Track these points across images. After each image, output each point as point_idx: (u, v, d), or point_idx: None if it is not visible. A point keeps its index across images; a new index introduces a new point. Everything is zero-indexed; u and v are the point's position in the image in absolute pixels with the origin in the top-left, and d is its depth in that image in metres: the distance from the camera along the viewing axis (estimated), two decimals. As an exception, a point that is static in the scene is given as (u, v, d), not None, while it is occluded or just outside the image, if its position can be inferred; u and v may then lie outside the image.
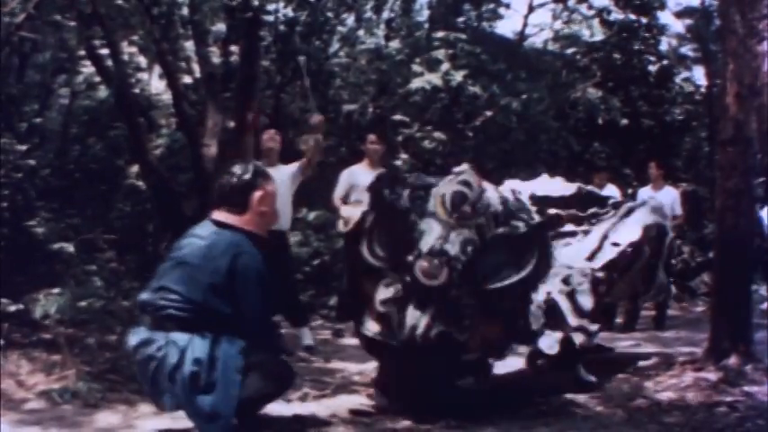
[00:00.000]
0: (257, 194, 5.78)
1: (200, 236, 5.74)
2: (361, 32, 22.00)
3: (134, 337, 5.68)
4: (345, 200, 10.86)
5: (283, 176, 9.84)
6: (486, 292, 6.59)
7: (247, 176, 5.83)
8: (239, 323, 5.57)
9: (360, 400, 7.58)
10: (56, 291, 9.47)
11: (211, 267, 5.53)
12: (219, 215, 5.78)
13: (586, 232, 8.68)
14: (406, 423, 6.73)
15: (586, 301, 7.73)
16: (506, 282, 6.57)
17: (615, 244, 8.34)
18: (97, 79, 18.25)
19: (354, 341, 8.80)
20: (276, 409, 6.90)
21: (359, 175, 10.56)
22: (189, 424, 5.72)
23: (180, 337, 5.47)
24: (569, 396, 7.59)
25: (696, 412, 6.88)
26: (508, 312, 6.82)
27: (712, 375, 7.79)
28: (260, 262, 5.65)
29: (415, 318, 6.49)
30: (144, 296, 5.78)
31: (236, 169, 5.88)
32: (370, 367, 8.41)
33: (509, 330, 6.94)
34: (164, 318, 5.57)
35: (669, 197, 13.18)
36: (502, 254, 6.64)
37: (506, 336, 7.02)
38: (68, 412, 6.96)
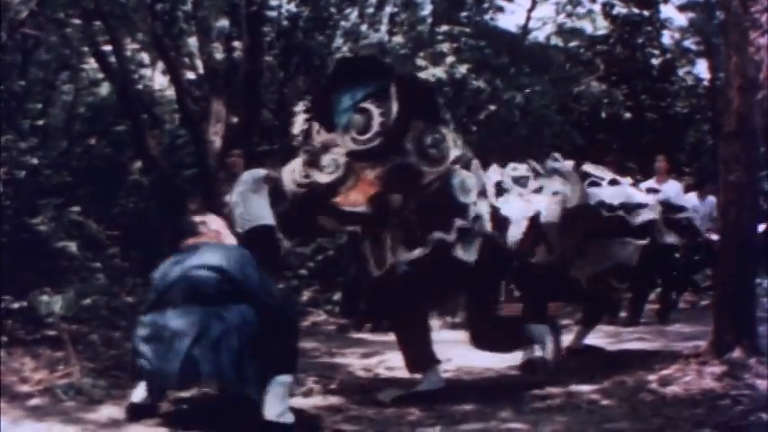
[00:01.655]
0: None
1: None
2: (364, 27, 21.97)
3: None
4: None
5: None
6: None
7: None
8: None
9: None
10: (60, 288, 9.49)
11: None
12: None
13: None
14: (411, 418, 6.76)
15: None
16: None
17: None
18: (100, 76, 18.26)
19: (359, 336, 8.83)
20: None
21: None
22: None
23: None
24: (574, 389, 7.60)
25: (700, 405, 6.88)
26: None
27: (716, 369, 7.76)
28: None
29: None
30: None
31: None
32: (374, 362, 8.43)
33: None
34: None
35: (672, 191, 13.19)
36: None
37: None
38: (72, 408, 6.97)
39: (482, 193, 7.99)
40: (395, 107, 7.09)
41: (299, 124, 19.45)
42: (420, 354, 7.78)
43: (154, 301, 6.51)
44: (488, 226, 7.86)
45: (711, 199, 13.54)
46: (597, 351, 9.81)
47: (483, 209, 7.86)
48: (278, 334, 6.22)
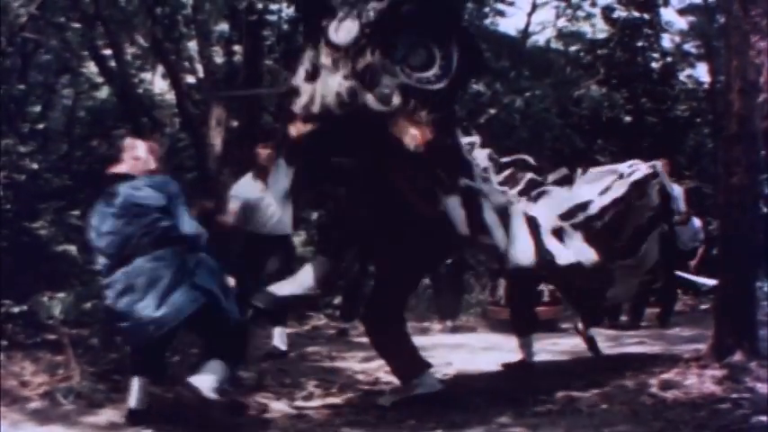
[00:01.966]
0: None
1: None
2: (364, 31, 21.92)
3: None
4: None
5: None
6: None
7: None
8: None
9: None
10: (60, 292, 9.48)
11: None
12: None
13: None
14: (411, 422, 6.76)
15: None
16: None
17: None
18: (100, 80, 18.25)
19: (359, 340, 8.82)
20: (281, 407, 6.94)
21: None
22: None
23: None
24: (575, 393, 7.60)
25: (700, 409, 6.89)
26: None
27: (717, 372, 7.78)
28: None
29: None
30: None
31: None
32: (375, 366, 8.43)
33: None
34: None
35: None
36: None
37: None
38: (72, 412, 6.98)
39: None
40: (455, 56, 7.00)
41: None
42: (405, 361, 7.76)
43: (113, 258, 6.56)
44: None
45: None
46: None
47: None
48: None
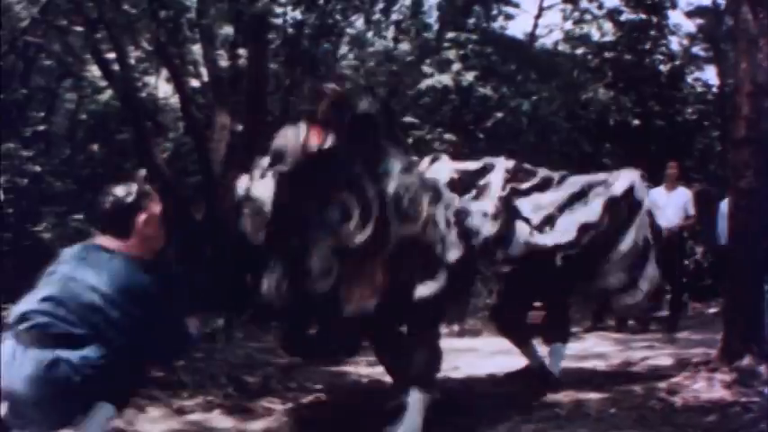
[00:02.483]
0: (141, 218, 5.19)
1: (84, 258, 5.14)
2: (370, 34, 21.94)
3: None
4: None
5: None
6: None
7: (130, 199, 5.21)
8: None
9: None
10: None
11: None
12: (104, 240, 5.16)
13: None
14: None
15: None
16: None
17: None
18: (103, 84, 18.23)
19: (364, 344, 8.76)
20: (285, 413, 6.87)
21: None
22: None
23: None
24: (582, 397, 7.54)
25: (709, 413, 6.83)
26: None
27: (726, 376, 7.71)
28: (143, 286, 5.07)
29: None
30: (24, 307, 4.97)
31: (118, 191, 5.24)
32: (380, 370, 8.36)
33: None
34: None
35: (682, 198, 13.14)
36: None
37: None
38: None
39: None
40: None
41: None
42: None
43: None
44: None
45: (682, 191, 13.43)
46: None
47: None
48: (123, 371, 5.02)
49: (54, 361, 4.63)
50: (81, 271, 4.96)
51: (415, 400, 6.61)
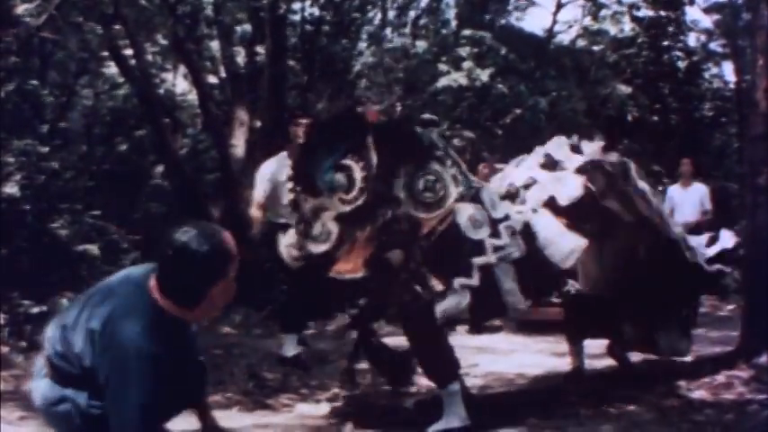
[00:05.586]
0: (218, 288, 3.83)
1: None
2: (387, 31, 21.94)
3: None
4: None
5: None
6: None
7: (209, 266, 3.80)
8: None
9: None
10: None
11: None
12: (160, 298, 3.85)
13: None
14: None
15: None
16: None
17: None
18: (121, 80, 18.23)
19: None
20: (306, 410, 6.88)
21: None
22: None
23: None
24: (602, 395, 7.52)
25: (728, 411, 6.81)
26: None
27: (744, 374, 7.68)
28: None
29: None
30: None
31: (194, 243, 3.76)
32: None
33: None
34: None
35: (698, 193, 13.10)
36: None
37: None
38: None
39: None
40: (374, 158, 6.53)
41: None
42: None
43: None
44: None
45: (698, 186, 13.36)
46: None
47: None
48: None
49: (61, 398, 4.13)
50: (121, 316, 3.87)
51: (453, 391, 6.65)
